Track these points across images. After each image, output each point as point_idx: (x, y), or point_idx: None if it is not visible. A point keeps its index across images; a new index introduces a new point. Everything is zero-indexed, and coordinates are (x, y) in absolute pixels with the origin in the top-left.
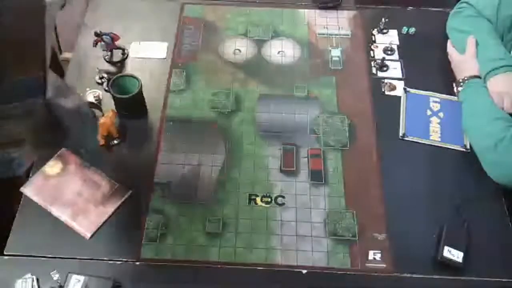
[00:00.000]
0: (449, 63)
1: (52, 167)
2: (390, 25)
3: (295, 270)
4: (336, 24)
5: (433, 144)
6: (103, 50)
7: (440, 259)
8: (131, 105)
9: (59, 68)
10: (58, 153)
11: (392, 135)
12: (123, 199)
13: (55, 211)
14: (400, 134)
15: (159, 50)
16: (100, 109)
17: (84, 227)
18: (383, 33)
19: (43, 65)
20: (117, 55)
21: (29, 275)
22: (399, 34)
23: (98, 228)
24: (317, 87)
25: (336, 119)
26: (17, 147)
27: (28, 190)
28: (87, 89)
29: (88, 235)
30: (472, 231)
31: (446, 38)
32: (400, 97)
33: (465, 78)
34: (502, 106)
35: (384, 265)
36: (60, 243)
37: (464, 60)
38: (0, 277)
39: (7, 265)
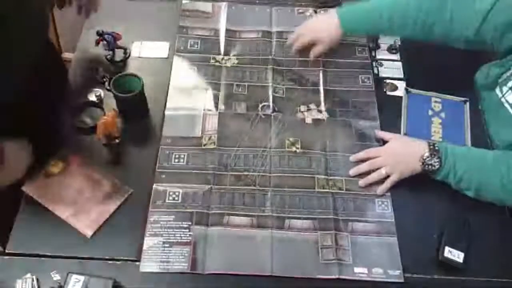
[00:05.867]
0: (450, 63)
1: (53, 166)
2: None
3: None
4: None
5: None
6: (105, 50)
7: (441, 260)
8: (133, 104)
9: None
10: (60, 152)
11: None
12: (124, 198)
13: (56, 210)
14: (402, 135)
15: (160, 49)
16: (102, 109)
17: (85, 225)
18: None
19: None
20: (119, 55)
21: (29, 275)
22: None
23: (100, 227)
24: None
25: None
26: None
27: (29, 189)
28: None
29: (89, 233)
30: (472, 231)
31: None
32: (401, 97)
33: None
34: None
35: None
36: (61, 242)
37: None
38: (0, 277)
39: (7, 265)
